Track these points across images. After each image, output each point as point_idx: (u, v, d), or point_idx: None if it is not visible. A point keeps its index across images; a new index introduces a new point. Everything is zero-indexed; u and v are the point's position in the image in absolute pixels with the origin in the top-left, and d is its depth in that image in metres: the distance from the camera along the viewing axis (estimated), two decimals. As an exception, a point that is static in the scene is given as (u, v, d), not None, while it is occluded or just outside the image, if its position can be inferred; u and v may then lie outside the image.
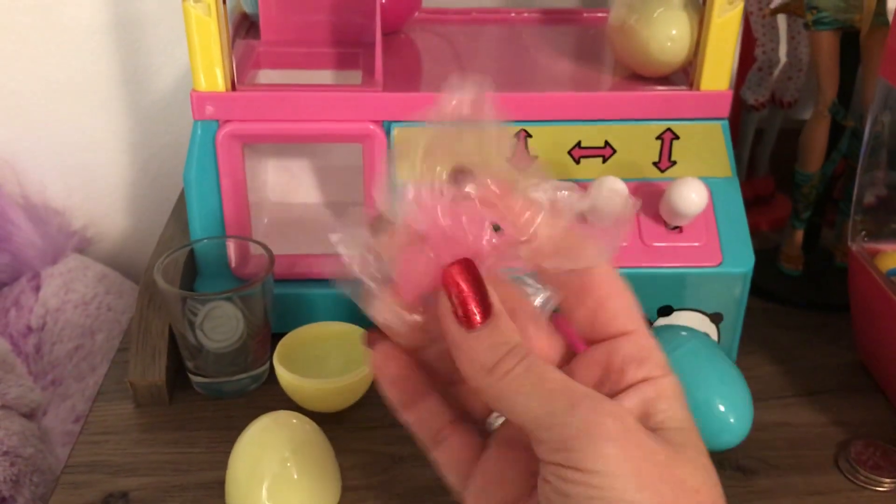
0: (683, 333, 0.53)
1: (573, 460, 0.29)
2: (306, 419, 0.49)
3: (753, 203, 0.77)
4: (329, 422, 0.52)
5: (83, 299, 0.78)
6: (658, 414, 0.31)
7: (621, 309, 0.33)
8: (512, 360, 0.30)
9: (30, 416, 0.62)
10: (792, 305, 0.67)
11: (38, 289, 0.78)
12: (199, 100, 0.55)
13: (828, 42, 0.61)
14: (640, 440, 0.29)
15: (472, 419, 0.36)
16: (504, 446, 0.35)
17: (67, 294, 0.78)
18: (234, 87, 0.55)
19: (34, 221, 0.80)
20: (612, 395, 0.32)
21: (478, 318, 0.30)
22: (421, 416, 0.35)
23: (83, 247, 0.86)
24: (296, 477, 0.46)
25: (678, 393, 0.32)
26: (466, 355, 0.31)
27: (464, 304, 0.30)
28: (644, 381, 0.32)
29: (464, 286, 0.30)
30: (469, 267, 0.30)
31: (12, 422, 0.60)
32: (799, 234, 0.69)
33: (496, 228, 0.31)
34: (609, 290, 0.33)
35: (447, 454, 0.35)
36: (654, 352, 0.33)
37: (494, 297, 0.31)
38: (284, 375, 0.53)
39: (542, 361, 0.31)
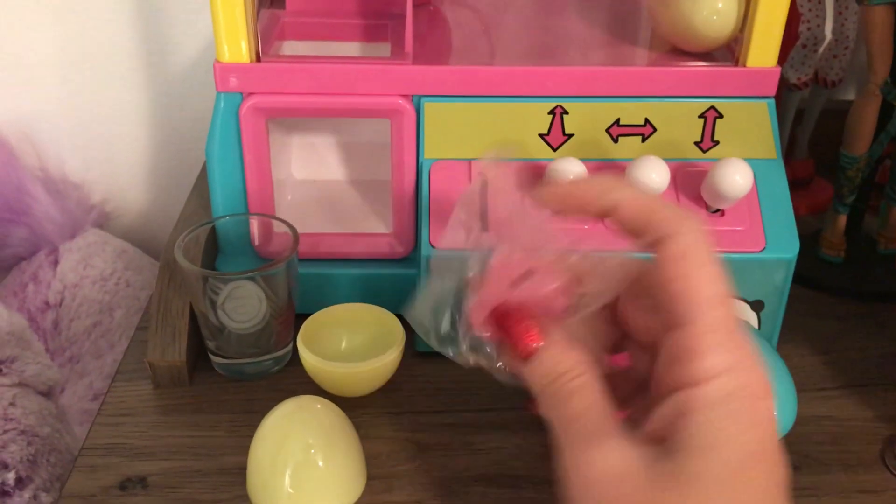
0: (724, 321, 0.50)
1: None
2: (331, 404, 0.47)
3: (791, 186, 0.74)
4: (354, 407, 0.50)
5: (102, 275, 0.77)
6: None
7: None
8: (554, 387, 0.32)
9: (47, 394, 0.61)
10: (833, 293, 0.64)
11: (56, 263, 0.77)
12: (223, 71, 0.53)
13: (882, 18, 0.58)
14: None
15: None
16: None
17: (86, 269, 0.77)
18: (258, 59, 0.53)
19: (53, 195, 0.79)
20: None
21: (527, 354, 0.34)
22: None
23: (102, 221, 0.84)
24: (320, 464, 0.45)
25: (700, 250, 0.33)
26: (525, 377, 0.34)
27: (513, 340, 0.34)
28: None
29: (510, 327, 0.34)
30: (498, 313, 0.34)
31: (30, 400, 0.58)
32: (842, 220, 0.66)
33: None
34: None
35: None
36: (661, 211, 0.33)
37: (549, 331, 0.34)
38: (308, 358, 0.51)
39: (585, 389, 0.32)
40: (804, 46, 0.70)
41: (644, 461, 0.29)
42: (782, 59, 0.71)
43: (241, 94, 0.53)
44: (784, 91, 0.73)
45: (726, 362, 0.29)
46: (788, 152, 0.77)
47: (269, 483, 0.45)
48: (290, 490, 0.44)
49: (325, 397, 0.48)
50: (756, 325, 0.55)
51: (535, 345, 0.33)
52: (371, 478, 0.47)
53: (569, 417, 0.31)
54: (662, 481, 0.28)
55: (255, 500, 0.45)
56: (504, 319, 0.34)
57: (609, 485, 0.29)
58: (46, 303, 0.75)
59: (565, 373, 0.32)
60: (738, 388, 0.29)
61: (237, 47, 0.52)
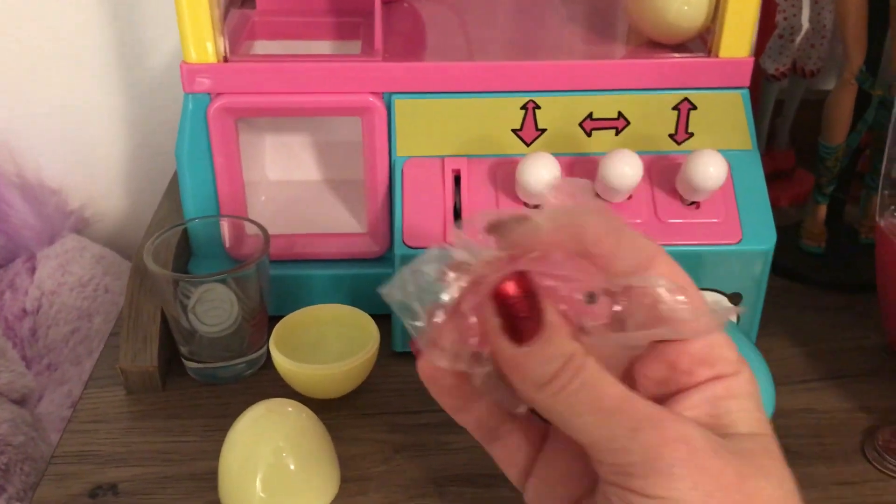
0: (701, 315, 0.50)
1: (637, 486, 0.27)
2: (303, 407, 0.46)
3: (773, 177, 0.74)
4: (327, 409, 0.50)
5: (80, 281, 0.76)
6: (727, 415, 0.29)
7: None
8: (566, 376, 0.28)
9: (21, 402, 0.60)
10: (814, 285, 0.64)
11: (33, 270, 0.76)
12: (190, 72, 0.52)
13: (855, 6, 0.57)
14: (705, 461, 0.27)
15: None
16: (567, 439, 0.32)
17: (64, 276, 0.76)
18: (225, 59, 0.53)
19: (30, 201, 0.78)
20: (677, 392, 0.30)
21: (529, 333, 0.28)
22: (478, 418, 0.33)
23: (80, 227, 0.83)
24: (292, 468, 0.44)
25: (751, 392, 0.30)
26: (518, 372, 0.28)
27: (512, 318, 0.28)
28: (713, 379, 0.30)
29: (514, 300, 0.28)
30: (521, 280, 0.28)
31: (3, 409, 0.58)
32: (822, 210, 0.66)
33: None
34: None
35: (506, 450, 0.33)
36: (724, 350, 0.30)
37: (549, 309, 0.28)
38: (281, 361, 0.50)
39: (602, 373, 0.28)
40: (781, 36, 0.69)
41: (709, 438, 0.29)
42: (760, 49, 0.71)
43: (210, 94, 0.53)
44: (762, 82, 0.72)
45: (738, 358, 0.31)
46: (769, 143, 0.77)
47: (240, 488, 0.44)
48: (262, 494, 0.43)
49: (299, 400, 0.47)
50: (734, 319, 0.55)
51: (529, 332, 0.28)
52: (345, 480, 0.47)
53: (616, 406, 0.28)
54: (734, 461, 0.28)
55: (227, 506, 0.45)
56: (505, 290, 0.28)
57: (708, 452, 0.28)
58: (24, 310, 0.74)
59: (573, 357, 0.28)
60: (754, 381, 0.31)
61: (203, 48, 0.51)
